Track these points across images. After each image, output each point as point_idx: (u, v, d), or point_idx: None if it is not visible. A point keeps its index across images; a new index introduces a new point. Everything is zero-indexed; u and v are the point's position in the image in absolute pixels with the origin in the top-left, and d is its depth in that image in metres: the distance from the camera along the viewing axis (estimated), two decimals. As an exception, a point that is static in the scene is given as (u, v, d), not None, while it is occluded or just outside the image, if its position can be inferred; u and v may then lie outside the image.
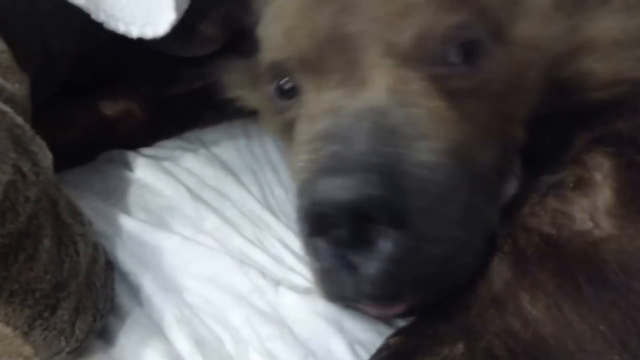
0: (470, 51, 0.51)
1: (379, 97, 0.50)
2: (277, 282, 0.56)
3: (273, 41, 0.57)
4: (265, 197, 0.67)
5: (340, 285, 0.48)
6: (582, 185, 0.52)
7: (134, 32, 0.61)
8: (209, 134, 0.76)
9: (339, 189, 0.45)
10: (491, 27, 0.52)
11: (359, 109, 0.49)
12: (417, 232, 0.46)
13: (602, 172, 0.51)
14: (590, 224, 0.49)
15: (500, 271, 0.48)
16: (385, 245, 0.45)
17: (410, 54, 0.50)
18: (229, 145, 0.73)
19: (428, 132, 0.49)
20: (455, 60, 0.51)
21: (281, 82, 0.57)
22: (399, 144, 0.47)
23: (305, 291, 0.56)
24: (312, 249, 0.49)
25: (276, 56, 0.57)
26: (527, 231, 0.50)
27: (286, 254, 0.60)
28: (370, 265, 0.46)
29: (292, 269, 0.59)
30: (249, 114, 0.81)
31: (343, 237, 0.46)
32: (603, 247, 0.48)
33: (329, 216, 0.45)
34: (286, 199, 0.66)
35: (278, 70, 0.57)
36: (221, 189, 0.67)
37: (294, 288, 0.56)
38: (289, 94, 0.57)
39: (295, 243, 0.61)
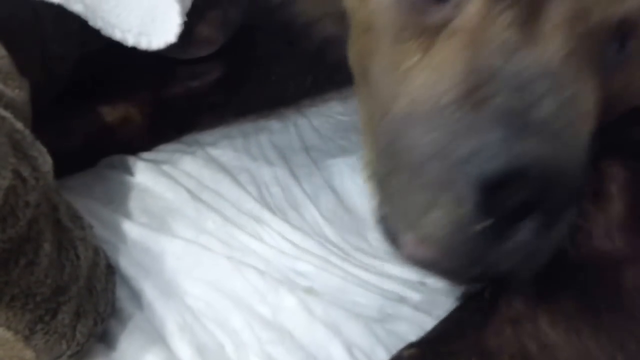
0: (623, 50, 0.48)
1: (556, 62, 0.44)
2: (278, 283, 0.57)
3: None
4: (262, 195, 0.68)
5: (482, 248, 0.42)
6: (598, 197, 0.51)
7: (130, 40, 0.62)
8: (206, 135, 0.76)
9: (537, 159, 0.40)
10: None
11: (537, 66, 0.44)
12: (567, 220, 0.44)
13: (617, 184, 0.50)
14: (606, 242, 0.49)
15: (520, 289, 0.47)
16: (541, 226, 0.42)
17: (596, 30, 0.45)
18: (227, 146, 0.74)
19: (585, 123, 0.45)
20: (612, 54, 0.47)
21: None
22: (570, 129, 0.43)
23: (306, 290, 0.56)
24: (483, 201, 0.41)
25: None
26: None
27: (287, 245, 0.62)
28: (520, 241, 0.42)
29: (296, 258, 0.60)
30: (246, 114, 0.81)
31: (514, 204, 0.41)
32: (622, 271, 0.48)
33: (516, 181, 0.40)
34: (282, 196, 0.67)
35: None
36: (220, 189, 0.67)
37: (294, 289, 0.57)
38: None
39: (294, 235, 0.62)
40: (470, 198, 0.40)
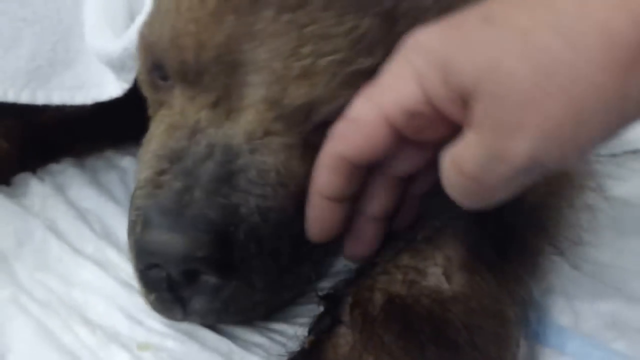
0: None
1: (236, 138, 0.49)
2: (109, 339, 0.54)
3: (153, 30, 0.53)
4: (109, 234, 0.65)
5: (171, 311, 0.51)
6: (435, 237, 0.52)
7: None
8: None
9: (170, 246, 0.47)
10: None
11: (212, 144, 0.49)
12: (241, 280, 0.49)
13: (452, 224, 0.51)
14: (442, 279, 0.49)
15: (347, 334, 0.48)
16: (212, 287, 0.49)
17: (288, 115, 0.49)
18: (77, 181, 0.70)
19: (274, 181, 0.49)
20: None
21: (156, 64, 0.54)
22: (237, 195, 0.48)
23: (140, 346, 0.53)
24: (142, 280, 0.51)
25: (154, 46, 0.53)
26: (376, 291, 0.50)
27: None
28: (198, 301, 0.49)
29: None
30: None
31: (173, 278, 0.48)
32: (449, 306, 0.48)
33: (160, 263, 0.48)
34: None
35: (153, 55, 0.54)
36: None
37: (128, 344, 0.53)
38: (163, 77, 0.53)
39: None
40: (144, 276, 0.50)
